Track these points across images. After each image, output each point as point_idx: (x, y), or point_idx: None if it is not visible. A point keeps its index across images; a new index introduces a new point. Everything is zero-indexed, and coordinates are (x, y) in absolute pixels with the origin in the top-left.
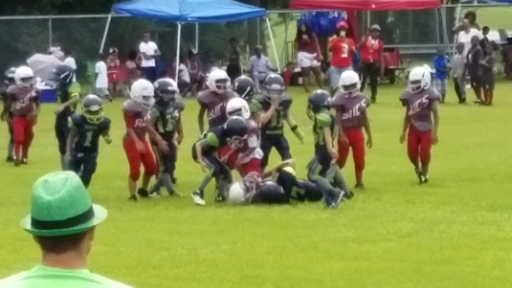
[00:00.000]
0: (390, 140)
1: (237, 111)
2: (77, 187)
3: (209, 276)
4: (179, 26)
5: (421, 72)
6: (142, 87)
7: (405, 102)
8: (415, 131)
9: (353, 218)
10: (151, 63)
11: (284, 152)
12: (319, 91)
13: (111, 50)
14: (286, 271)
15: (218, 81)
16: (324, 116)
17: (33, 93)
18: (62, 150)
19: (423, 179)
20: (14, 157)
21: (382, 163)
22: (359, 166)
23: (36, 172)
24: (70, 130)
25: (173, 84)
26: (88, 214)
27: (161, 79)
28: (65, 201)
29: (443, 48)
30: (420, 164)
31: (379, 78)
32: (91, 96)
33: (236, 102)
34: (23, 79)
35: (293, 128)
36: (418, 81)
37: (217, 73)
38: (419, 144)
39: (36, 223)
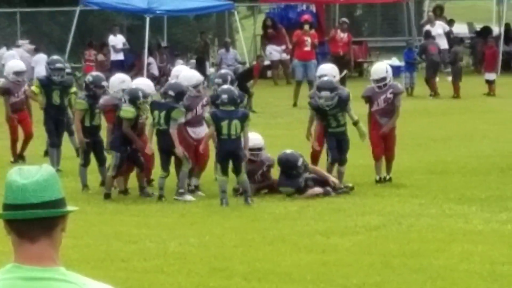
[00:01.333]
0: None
1: None
2: (52, 174)
3: (178, 269)
4: (148, 19)
5: (383, 68)
6: (120, 80)
7: (369, 98)
8: (380, 128)
9: (321, 211)
10: (120, 56)
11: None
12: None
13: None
14: (254, 264)
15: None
16: None
17: (27, 87)
18: (53, 145)
19: (387, 177)
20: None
21: (351, 156)
22: (388, 158)
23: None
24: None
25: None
26: (61, 202)
27: (95, 73)
28: (40, 184)
29: (412, 41)
30: (384, 162)
31: (349, 71)
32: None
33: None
34: (16, 73)
35: (355, 124)
36: (384, 79)
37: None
38: (384, 141)
39: (10, 207)
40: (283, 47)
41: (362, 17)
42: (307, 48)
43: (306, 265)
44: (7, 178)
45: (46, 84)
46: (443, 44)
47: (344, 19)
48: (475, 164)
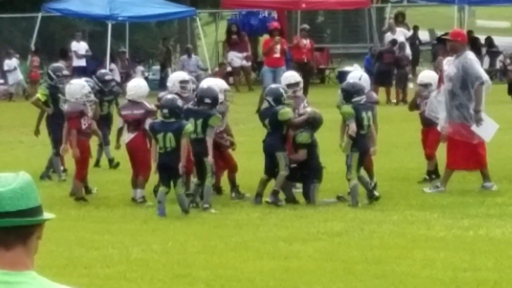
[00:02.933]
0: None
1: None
2: (29, 182)
3: (140, 276)
4: (110, 26)
5: (357, 75)
6: (80, 85)
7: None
8: None
9: (284, 218)
10: (82, 62)
11: None
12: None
13: (34, 49)
14: (217, 270)
15: (182, 82)
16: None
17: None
18: (57, 153)
19: (375, 194)
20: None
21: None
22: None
23: None
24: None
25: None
26: (38, 210)
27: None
28: (16, 192)
29: (373, 48)
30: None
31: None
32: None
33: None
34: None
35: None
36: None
37: (180, 74)
38: None
39: None
40: (245, 54)
41: (324, 24)
42: (277, 55)
43: (269, 271)
44: None
45: (53, 92)
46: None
47: (305, 25)
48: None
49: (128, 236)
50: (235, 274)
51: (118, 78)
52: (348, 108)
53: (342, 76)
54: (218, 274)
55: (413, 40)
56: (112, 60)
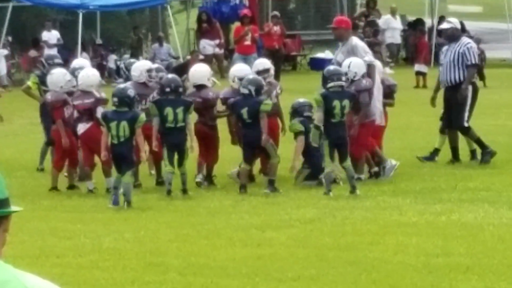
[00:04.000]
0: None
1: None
2: None
3: (113, 265)
4: (81, 15)
5: (347, 63)
6: (62, 73)
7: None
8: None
9: (256, 205)
10: (54, 51)
11: None
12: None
13: (8, 39)
14: (189, 259)
15: (149, 70)
16: None
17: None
18: (48, 143)
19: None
20: None
21: (286, 149)
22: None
23: None
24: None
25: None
26: (5, 202)
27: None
28: None
29: None
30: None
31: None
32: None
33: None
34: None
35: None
36: (345, 73)
37: (146, 63)
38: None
39: None
40: (217, 41)
41: (296, 11)
42: (248, 42)
43: (241, 259)
44: None
45: (45, 81)
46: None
47: (276, 12)
48: (409, 156)
49: (100, 225)
50: (208, 262)
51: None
52: (316, 96)
53: (314, 62)
54: (191, 262)
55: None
56: (84, 49)
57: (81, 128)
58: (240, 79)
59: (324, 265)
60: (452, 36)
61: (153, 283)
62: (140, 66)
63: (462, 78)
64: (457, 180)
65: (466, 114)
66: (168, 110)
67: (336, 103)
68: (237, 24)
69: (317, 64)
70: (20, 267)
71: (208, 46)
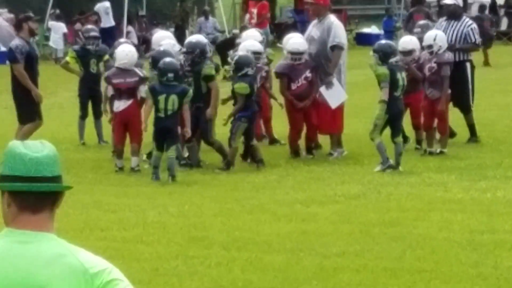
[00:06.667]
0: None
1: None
2: (55, 150)
3: (157, 239)
4: None
5: (432, 35)
6: (128, 49)
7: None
8: (426, 99)
9: (301, 180)
10: (110, 22)
11: None
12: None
13: (52, 11)
14: (233, 233)
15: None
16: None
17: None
18: (83, 117)
19: (429, 150)
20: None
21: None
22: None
23: None
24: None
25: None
26: (59, 179)
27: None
28: (50, 158)
29: (391, 9)
30: (437, 135)
31: None
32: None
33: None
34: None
35: None
36: (430, 46)
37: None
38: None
39: (21, 179)
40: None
41: None
42: (254, 21)
43: (286, 234)
44: (12, 150)
45: (83, 54)
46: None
47: None
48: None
49: (145, 199)
50: (252, 236)
51: (135, 40)
52: (383, 69)
53: (360, 37)
54: (235, 237)
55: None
56: (129, 22)
57: (120, 105)
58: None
59: (368, 240)
60: (454, 13)
61: (197, 257)
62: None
63: (464, 57)
64: (502, 156)
65: (470, 93)
66: (162, 97)
67: (399, 76)
68: None
69: (363, 39)
70: (65, 240)
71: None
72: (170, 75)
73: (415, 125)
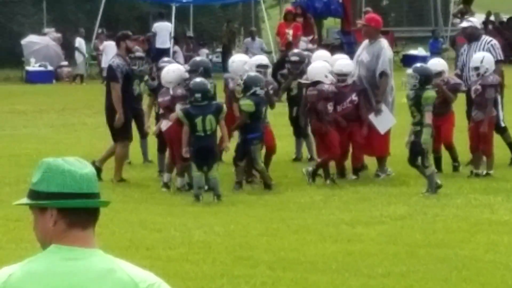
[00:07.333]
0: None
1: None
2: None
3: (202, 258)
4: (174, 8)
5: (479, 57)
6: (180, 71)
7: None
8: (472, 121)
9: (347, 201)
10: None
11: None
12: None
13: (100, 31)
14: (279, 253)
15: (259, 66)
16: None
17: None
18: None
19: (476, 172)
20: None
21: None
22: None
23: (30, 153)
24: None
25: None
26: (98, 196)
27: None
28: (94, 175)
29: (438, 31)
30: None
31: None
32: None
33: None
34: None
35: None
36: (477, 68)
37: (259, 57)
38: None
39: (74, 196)
40: (310, 37)
41: (389, 7)
42: (290, 39)
43: (331, 254)
44: (59, 167)
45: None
46: None
47: (369, 8)
48: (500, 154)
49: (190, 219)
50: (297, 257)
51: (181, 60)
52: (431, 92)
53: (407, 59)
54: (280, 257)
55: (486, 25)
56: (176, 42)
57: (164, 125)
58: (258, 67)
59: (414, 262)
60: (472, 35)
61: (242, 277)
62: (252, 61)
63: None
64: None
65: (501, 113)
66: (199, 120)
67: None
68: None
69: (410, 61)
70: None
71: (302, 41)
72: (198, 95)
73: (448, 145)
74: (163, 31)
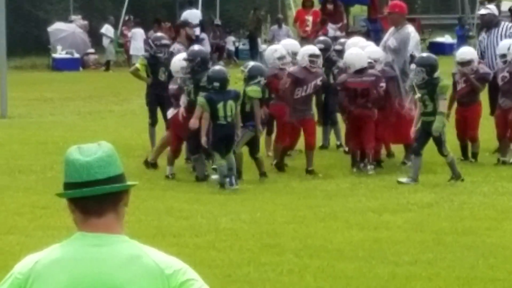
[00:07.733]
0: None
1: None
2: (112, 149)
3: (229, 245)
4: None
5: (506, 44)
6: (272, 50)
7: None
8: (499, 108)
9: (373, 189)
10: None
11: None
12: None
13: (126, 18)
14: (306, 241)
15: (311, 55)
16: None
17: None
18: (153, 124)
19: (503, 159)
20: None
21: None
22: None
23: (57, 141)
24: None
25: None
26: (123, 177)
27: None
28: (103, 160)
29: (465, 18)
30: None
31: None
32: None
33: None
34: None
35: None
36: (504, 55)
37: (310, 47)
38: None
39: (75, 185)
40: (339, 24)
41: None
42: (308, 28)
43: (358, 242)
44: (67, 157)
45: (153, 62)
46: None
47: None
48: None
49: (217, 206)
50: (324, 244)
51: (208, 48)
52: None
53: (434, 47)
54: (307, 244)
55: None
56: (203, 29)
57: (170, 113)
58: (311, 56)
59: (441, 249)
60: (490, 22)
61: (269, 264)
62: (304, 51)
63: None
64: None
65: None
66: (220, 105)
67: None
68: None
69: (437, 48)
70: None
71: (330, 29)
72: (216, 84)
73: (472, 137)
74: (193, 18)
